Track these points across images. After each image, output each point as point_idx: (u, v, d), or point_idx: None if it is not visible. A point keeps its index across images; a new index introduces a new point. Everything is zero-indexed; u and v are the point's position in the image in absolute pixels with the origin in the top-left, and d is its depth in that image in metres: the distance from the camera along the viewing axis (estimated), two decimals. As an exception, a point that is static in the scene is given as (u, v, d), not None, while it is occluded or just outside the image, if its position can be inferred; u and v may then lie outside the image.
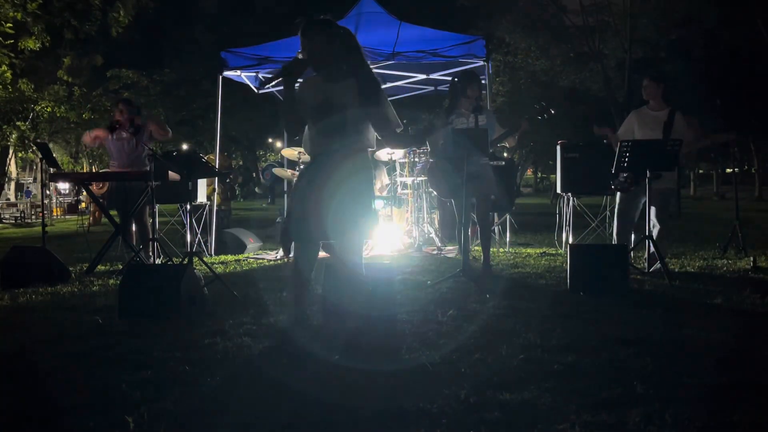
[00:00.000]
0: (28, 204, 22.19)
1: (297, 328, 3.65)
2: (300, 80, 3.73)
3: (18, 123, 16.72)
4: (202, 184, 8.40)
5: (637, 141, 6.03)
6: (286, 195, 9.39)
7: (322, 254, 3.85)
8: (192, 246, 5.65)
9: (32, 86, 15.64)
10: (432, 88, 10.54)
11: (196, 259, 5.51)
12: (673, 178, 6.26)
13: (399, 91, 10.89)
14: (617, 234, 6.48)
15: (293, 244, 3.71)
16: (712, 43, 22.23)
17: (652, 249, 5.89)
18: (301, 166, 7.05)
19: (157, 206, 6.43)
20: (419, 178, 8.52)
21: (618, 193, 6.44)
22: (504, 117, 6.25)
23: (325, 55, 3.51)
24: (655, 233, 6.11)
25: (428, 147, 6.42)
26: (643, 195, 6.04)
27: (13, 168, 26.73)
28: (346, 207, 3.50)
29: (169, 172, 6.46)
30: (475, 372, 3.03)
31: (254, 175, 37.88)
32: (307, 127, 3.62)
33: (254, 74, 8.89)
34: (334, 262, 3.72)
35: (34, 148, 6.60)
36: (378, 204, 8.49)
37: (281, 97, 3.73)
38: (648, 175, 5.81)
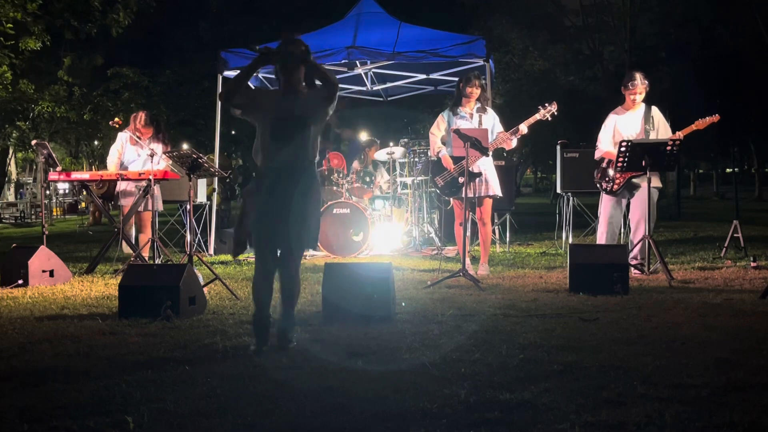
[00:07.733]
0: (28, 204, 22.18)
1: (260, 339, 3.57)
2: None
3: (18, 123, 16.69)
4: (202, 184, 8.40)
5: (638, 141, 6.01)
6: None
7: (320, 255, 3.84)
8: (192, 246, 5.65)
9: (32, 86, 15.59)
10: (432, 88, 10.53)
11: (196, 259, 5.51)
12: (657, 177, 6.18)
13: (399, 91, 10.88)
14: (606, 239, 6.23)
15: (256, 251, 3.70)
16: (710, 43, 22.21)
17: (637, 249, 5.90)
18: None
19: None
20: (419, 178, 8.52)
21: (604, 198, 6.28)
22: (504, 118, 6.22)
23: (299, 72, 3.68)
24: (639, 234, 6.03)
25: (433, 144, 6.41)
26: (628, 196, 6.09)
27: (13, 168, 26.69)
28: (305, 216, 3.63)
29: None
30: (475, 372, 3.03)
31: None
32: (259, 137, 3.70)
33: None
34: (334, 263, 3.72)
35: (35, 147, 6.49)
36: (378, 204, 8.49)
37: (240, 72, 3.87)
38: (647, 174, 5.79)
